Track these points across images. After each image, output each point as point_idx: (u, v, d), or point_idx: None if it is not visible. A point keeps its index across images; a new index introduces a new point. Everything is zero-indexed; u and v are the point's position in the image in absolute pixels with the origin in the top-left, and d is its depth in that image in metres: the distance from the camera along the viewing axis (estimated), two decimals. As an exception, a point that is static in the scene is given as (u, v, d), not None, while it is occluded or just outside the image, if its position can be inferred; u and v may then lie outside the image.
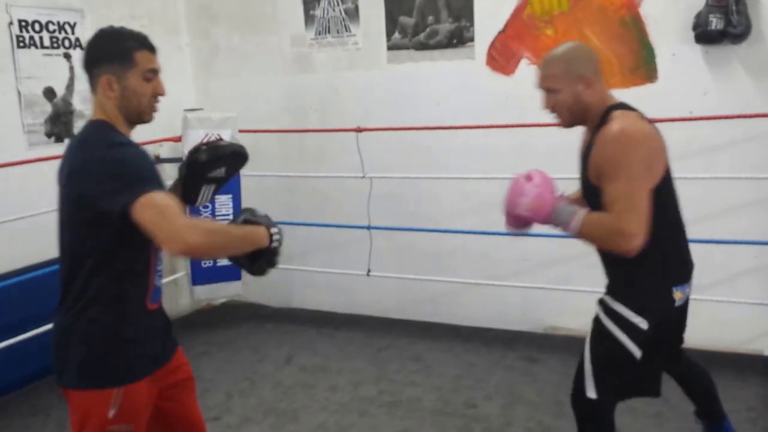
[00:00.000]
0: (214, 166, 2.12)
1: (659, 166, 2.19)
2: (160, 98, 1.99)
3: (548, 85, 2.29)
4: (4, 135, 3.77)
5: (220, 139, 2.25)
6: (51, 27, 4.02)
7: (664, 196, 2.23)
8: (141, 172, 1.81)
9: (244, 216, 2.04)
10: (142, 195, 1.73)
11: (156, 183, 1.81)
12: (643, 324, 2.27)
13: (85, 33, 4.19)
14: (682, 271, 2.37)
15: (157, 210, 1.72)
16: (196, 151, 2.12)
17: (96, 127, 1.94)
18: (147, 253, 1.94)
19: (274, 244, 1.98)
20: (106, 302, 1.89)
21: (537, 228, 4.01)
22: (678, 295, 2.31)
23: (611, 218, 2.11)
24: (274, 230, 1.99)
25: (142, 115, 1.97)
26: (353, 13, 4.44)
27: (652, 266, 2.26)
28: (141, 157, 1.89)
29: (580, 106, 2.26)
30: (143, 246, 1.88)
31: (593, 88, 2.24)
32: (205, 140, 2.26)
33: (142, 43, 1.98)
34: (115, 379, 1.89)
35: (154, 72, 1.98)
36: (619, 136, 2.14)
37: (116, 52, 1.94)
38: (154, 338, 2.00)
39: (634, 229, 2.05)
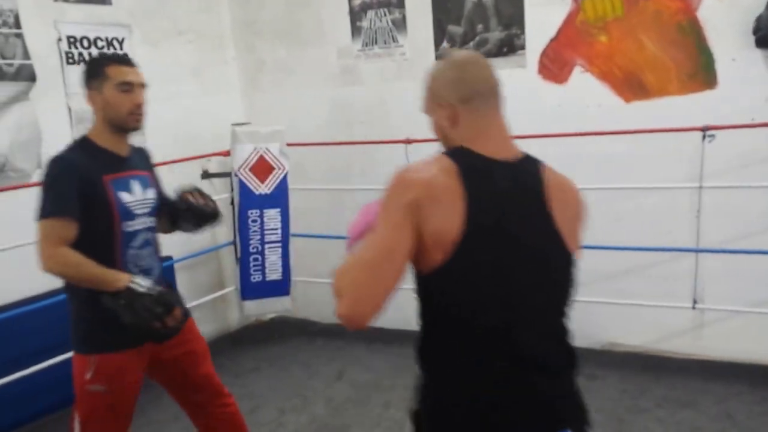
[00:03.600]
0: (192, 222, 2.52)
1: (434, 232, 1.44)
2: (136, 111, 2.28)
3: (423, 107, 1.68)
4: (55, 151, 3.77)
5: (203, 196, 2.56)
6: (99, 43, 4.05)
7: (451, 283, 1.48)
8: (57, 195, 2.19)
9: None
10: (39, 219, 2.18)
11: (62, 209, 2.18)
12: None
13: (133, 48, 4.21)
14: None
15: (40, 235, 2.18)
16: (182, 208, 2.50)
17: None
18: (106, 246, 2.26)
19: (137, 289, 2.18)
20: (75, 285, 2.29)
21: (595, 241, 3.97)
22: None
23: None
24: (140, 282, 2.20)
25: (123, 124, 2.28)
26: (400, 24, 4.40)
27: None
28: (62, 179, 2.21)
29: (445, 143, 1.62)
30: (91, 238, 2.22)
31: (458, 122, 1.56)
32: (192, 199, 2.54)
33: (114, 59, 2.39)
34: (90, 347, 2.28)
35: (129, 84, 2.27)
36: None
37: (92, 71, 2.31)
38: None
39: (342, 307, 1.42)
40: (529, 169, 1.57)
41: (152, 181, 2.45)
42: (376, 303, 1.42)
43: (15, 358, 3.42)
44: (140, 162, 2.44)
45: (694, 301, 3.81)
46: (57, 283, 3.71)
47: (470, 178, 1.47)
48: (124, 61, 2.34)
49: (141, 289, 2.20)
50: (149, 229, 2.40)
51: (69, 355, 2.38)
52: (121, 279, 2.20)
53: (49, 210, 2.18)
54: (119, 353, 2.27)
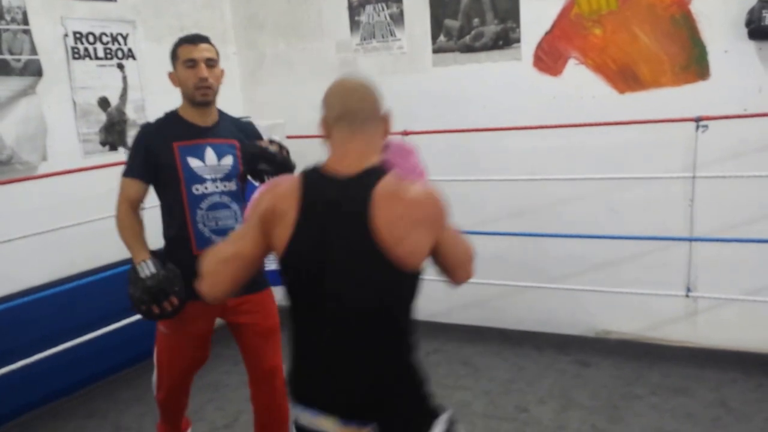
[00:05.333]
0: (264, 165, 2.56)
1: (275, 239, 1.68)
2: (201, 84, 2.50)
3: None
4: (60, 144, 3.87)
5: (280, 147, 2.59)
6: (104, 38, 4.13)
7: (285, 281, 1.73)
8: (130, 157, 2.56)
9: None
10: (122, 177, 2.55)
11: (131, 169, 2.54)
12: None
13: (137, 44, 4.29)
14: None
15: (120, 190, 2.55)
16: (254, 152, 2.56)
17: None
18: (178, 206, 2.54)
19: (139, 272, 2.46)
20: (166, 241, 2.64)
21: (590, 230, 4.02)
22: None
23: None
24: (146, 267, 2.47)
25: (192, 97, 2.54)
26: (398, 18, 4.46)
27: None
28: (135, 143, 2.58)
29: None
30: (168, 199, 2.58)
31: (330, 137, 1.71)
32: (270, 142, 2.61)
33: (183, 39, 2.56)
34: None
35: (193, 61, 2.50)
36: None
37: (171, 54, 2.58)
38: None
39: (202, 287, 1.73)
40: (363, 183, 1.63)
41: (237, 150, 2.63)
42: (226, 287, 1.73)
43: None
44: (228, 132, 2.65)
45: (688, 289, 3.85)
46: (56, 274, 3.84)
47: (307, 193, 1.66)
48: (190, 40, 2.55)
49: (142, 274, 2.45)
50: (224, 193, 2.60)
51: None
52: (138, 255, 2.50)
53: (124, 170, 2.56)
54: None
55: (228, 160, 2.61)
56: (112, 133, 4.17)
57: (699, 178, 3.71)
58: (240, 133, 2.69)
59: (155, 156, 2.52)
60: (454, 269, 1.79)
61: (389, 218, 1.59)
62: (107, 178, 3.97)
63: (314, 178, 1.69)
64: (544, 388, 3.70)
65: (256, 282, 2.65)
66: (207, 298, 1.73)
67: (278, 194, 1.70)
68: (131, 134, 4.21)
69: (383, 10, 4.49)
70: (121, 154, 4.16)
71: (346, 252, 1.62)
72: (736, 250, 3.77)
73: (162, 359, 2.73)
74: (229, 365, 4.05)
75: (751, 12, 3.52)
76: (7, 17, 3.63)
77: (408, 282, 1.67)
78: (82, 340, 3.62)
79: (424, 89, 4.45)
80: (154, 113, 4.25)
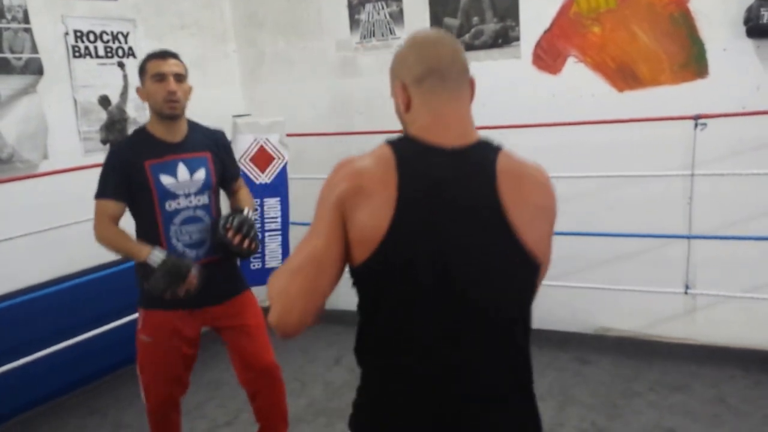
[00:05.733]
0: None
1: (360, 228, 1.31)
2: (170, 98, 2.50)
3: None
4: (61, 142, 3.88)
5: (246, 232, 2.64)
6: (105, 37, 4.14)
7: (372, 288, 1.36)
8: (102, 179, 2.56)
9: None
10: (96, 199, 2.55)
11: (104, 191, 2.54)
12: None
13: (138, 43, 4.30)
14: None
15: (95, 212, 2.55)
16: (220, 243, 2.63)
17: None
18: (152, 223, 2.56)
19: (152, 263, 2.48)
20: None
21: (589, 228, 4.02)
22: None
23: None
24: (157, 254, 2.49)
25: (160, 111, 2.54)
26: (398, 16, 4.47)
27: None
28: (106, 164, 2.57)
29: (403, 129, 1.46)
30: (142, 217, 2.60)
31: (411, 105, 1.40)
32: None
33: (151, 55, 2.58)
34: (141, 303, 2.67)
35: (162, 75, 2.51)
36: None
37: (139, 70, 2.61)
38: None
39: (272, 316, 1.34)
40: (481, 157, 1.35)
41: (209, 162, 2.66)
42: (303, 313, 1.33)
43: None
44: (199, 145, 2.66)
45: (687, 287, 3.86)
46: (57, 272, 3.85)
47: (406, 168, 1.31)
48: (159, 55, 2.57)
49: (155, 263, 2.48)
50: (197, 207, 2.63)
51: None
52: (143, 251, 2.51)
53: (97, 192, 2.56)
54: (165, 311, 2.61)
55: (200, 174, 2.63)
56: (113, 131, 4.17)
57: (697, 176, 3.72)
58: (212, 144, 2.70)
59: (128, 176, 2.53)
60: None
61: (515, 201, 1.30)
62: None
63: (410, 150, 1.35)
64: (543, 385, 3.70)
65: (236, 286, 2.76)
66: (280, 332, 1.35)
67: (360, 171, 1.33)
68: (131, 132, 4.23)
69: (383, 8, 4.49)
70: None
71: (477, 243, 1.29)
72: (735, 247, 3.78)
73: (145, 368, 2.72)
74: (229, 363, 4.06)
75: (750, 10, 3.53)
76: (8, 16, 3.63)
77: (536, 280, 1.38)
78: (83, 338, 3.63)
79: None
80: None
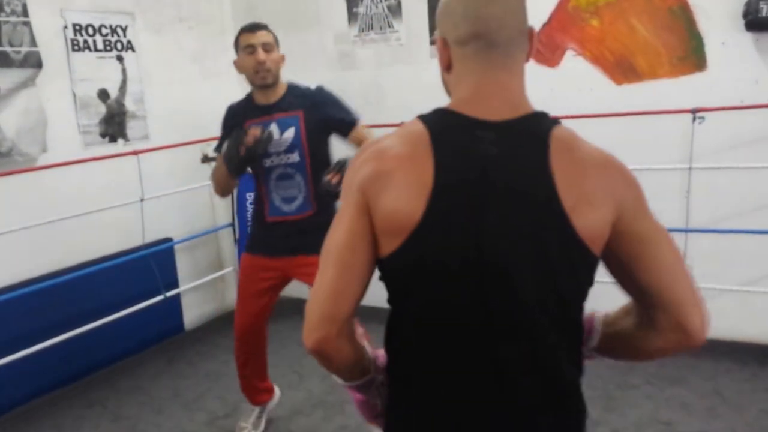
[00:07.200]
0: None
1: (388, 213, 1.14)
2: (260, 68, 2.73)
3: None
4: (60, 136, 3.89)
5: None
6: (104, 30, 4.13)
7: (399, 282, 1.22)
8: (221, 137, 2.92)
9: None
10: (216, 153, 2.98)
11: (220, 147, 2.87)
12: None
13: (136, 36, 4.30)
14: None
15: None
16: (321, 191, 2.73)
17: None
18: (257, 178, 2.88)
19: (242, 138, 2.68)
20: (254, 207, 3.18)
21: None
22: None
23: None
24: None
25: (252, 81, 2.79)
26: (396, 9, 4.46)
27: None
28: (222, 124, 2.93)
29: (446, 92, 1.29)
30: (255, 173, 2.90)
31: (452, 67, 1.23)
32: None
33: (243, 29, 2.80)
34: (243, 247, 3.27)
35: (251, 47, 2.73)
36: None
37: (234, 43, 2.84)
38: (266, 237, 2.94)
39: (304, 337, 1.20)
40: (531, 132, 1.17)
41: (300, 121, 2.81)
42: (322, 319, 1.18)
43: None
44: (292, 105, 2.84)
45: (684, 280, 3.86)
46: (56, 264, 3.87)
47: (443, 145, 1.14)
48: (249, 28, 2.79)
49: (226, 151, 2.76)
50: (287, 164, 2.82)
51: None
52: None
53: (215, 146, 2.98)
54: (251, 255, 2.98)
55: (289, 133, 2.79)
56: (112, 124, 4.18)
57: (695, 169, 3.72)
58: (306, 103, 2.84)
59: None
60: (660, 301, 1.21)
61: (571, 183, 1.12)
62: (107, 170, 4.03)
63: (448, 123, 1.17)
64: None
65: (313, 244, 2.77)
66: (314, 354, 1.22)
67: (384, 151, 1.17)
68: (131, 126, 4.23)
69: (381, 1, 4.49)
70: (121, 146, 4.18)
71: (526, 232, 1.12)
72: (732, 241, 3.78)
73: (237, 295, 3.06)
74: (228, 354, 4.06)
75: (748, 4, 3.52)
76: (7, 9, 3.63)
77: (592, 274, 1.22)
78: (82, 330, 3.65)
79: (422, 81, 4.44)
80: (153, 105, 4.33)
